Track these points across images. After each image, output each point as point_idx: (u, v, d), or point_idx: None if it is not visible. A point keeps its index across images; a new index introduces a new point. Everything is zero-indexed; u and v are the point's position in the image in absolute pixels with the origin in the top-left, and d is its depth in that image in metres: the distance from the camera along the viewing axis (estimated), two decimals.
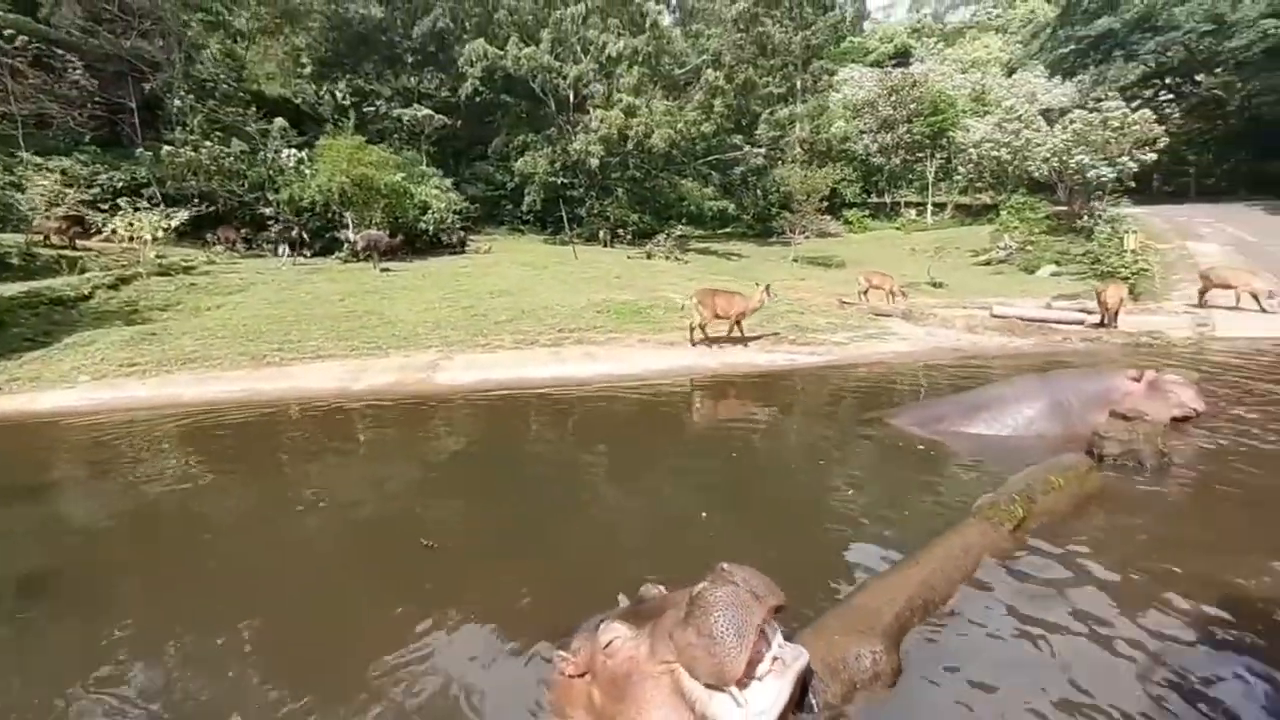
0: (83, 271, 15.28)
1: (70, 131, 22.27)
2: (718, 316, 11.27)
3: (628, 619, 2.37)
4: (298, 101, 33.08)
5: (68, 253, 16.87)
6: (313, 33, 32.88)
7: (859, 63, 44.08)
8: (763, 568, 2.27)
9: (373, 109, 32.69)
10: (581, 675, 2.45)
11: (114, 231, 16.81)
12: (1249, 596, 3.25)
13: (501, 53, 27.57)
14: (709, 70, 28.54)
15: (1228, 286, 14.51)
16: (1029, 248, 23.74)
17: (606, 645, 2.30)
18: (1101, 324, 12.85)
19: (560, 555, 4.28)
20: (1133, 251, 19.46)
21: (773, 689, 2.09)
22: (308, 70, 35.57)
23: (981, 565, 3.40)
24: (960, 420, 6.24)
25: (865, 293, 15.67)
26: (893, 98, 36.20)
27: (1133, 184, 26.16)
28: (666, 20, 31.55)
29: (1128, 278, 16.81)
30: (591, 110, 27.98)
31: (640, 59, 27.67)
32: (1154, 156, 24.98)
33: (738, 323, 11.48)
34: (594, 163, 27.42)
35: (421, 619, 3.45)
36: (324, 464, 6.50)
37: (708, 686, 2.07)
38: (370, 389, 9.21)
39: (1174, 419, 5.75)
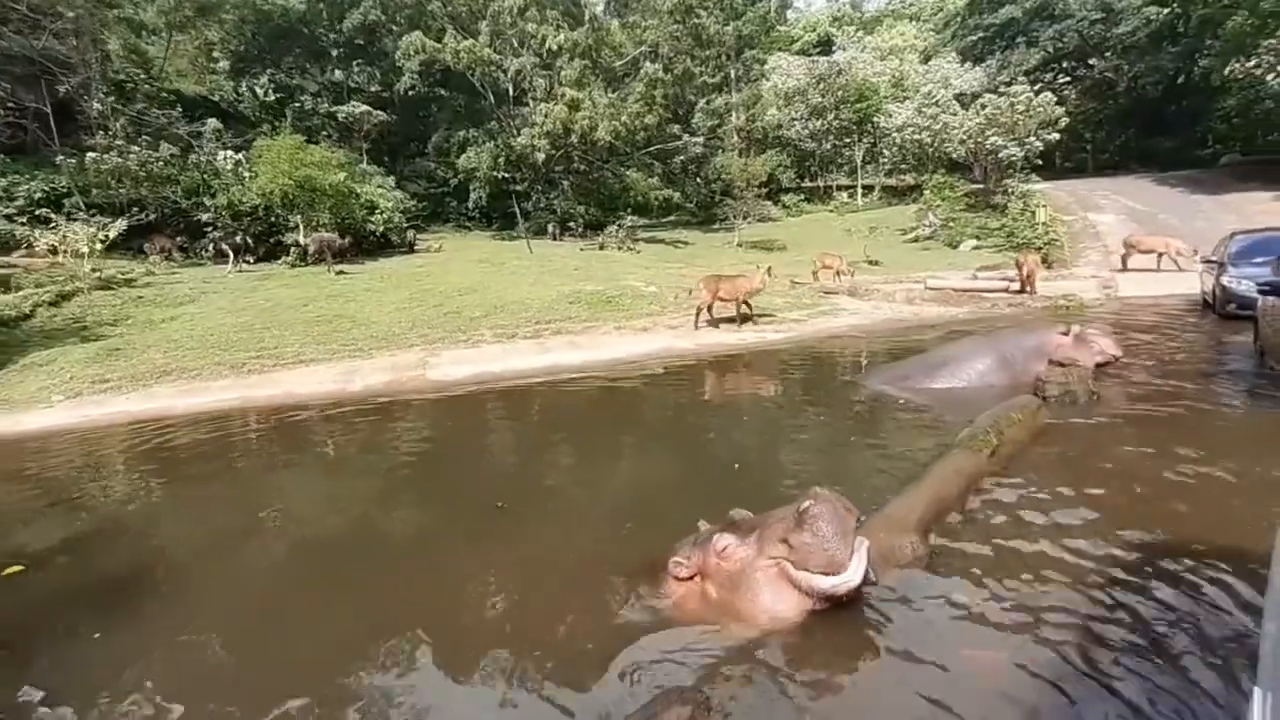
0: (17, 289, 14.66)
1: None
2: (722, 299, 12.01)
3: (733, 531, 3.09)
4: (216, 99, 31.86)
5: None
6: (226, 26, 31.63)
7: (785, 51, 45.54)
8: None
9: (298, 105, 31.79)
10: (691, 578, 3.14)
11: (49, 246, 16.09)
12: (1160, 490, 4.30)
13: (440, 46, 27.25)
14: (648, 62, 28.99)
15: (1152, 251, 16.30)
16: (951, 224, 25.50)
17: (722, 550, 3.01)
18: (1022, 290, 14.31)
19: (626, 501, 5.01)
20: (1043, 224, 21.34)
21: (854, 564, 2.84)
22: (221, 65, 34.22)
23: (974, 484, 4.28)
24: (924, 378, 7.27)
25: (816, 273, 16.77)
26: (820, 85, 37.80)
27: (1039, 161, 28.45)
28: (600, 9, 31.85)
29: (1041, 248, 18.51)
30: (533, 104, 28.04)
31: (580, 51, 27.85)
32: (1056, 136, 27.20)
33: (745, 303, 12.33)
34: (540, 157, 27.54)
35: (528, 555, 4.05)
36: (373, 459, 6.74)
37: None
38: (368, 389, 9.49)
39: (1098, 364, 6.91)
